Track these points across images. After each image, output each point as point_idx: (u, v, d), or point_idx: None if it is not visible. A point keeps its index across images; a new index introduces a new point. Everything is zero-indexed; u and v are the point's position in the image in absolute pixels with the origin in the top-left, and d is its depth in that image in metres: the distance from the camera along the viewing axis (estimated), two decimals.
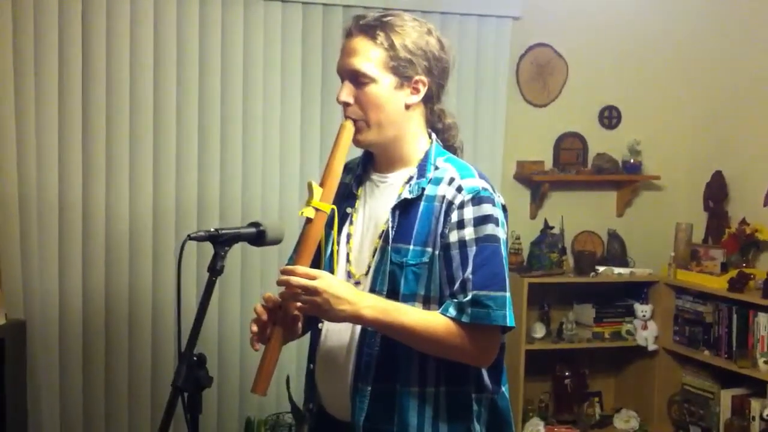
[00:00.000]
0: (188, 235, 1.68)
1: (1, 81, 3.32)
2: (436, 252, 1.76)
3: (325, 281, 1.69)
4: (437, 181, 1.81)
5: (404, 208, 1.81)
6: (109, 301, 3.54)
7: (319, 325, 1.89)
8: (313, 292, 1.68)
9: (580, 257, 4.31)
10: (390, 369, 1.79)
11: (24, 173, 3.38)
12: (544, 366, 4.27)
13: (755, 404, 3.79)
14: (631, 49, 4.39)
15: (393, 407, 1.79)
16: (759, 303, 3.76)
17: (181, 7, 3.56)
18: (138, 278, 3.57)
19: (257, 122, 3.72)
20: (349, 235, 1.89)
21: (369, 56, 1.79)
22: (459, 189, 1.77)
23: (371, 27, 1.80)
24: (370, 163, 1.94)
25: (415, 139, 1.87)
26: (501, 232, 1.77)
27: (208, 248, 1.72)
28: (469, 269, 1.72)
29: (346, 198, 1.92)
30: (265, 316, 1.76)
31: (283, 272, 1.71)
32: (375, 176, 1.91)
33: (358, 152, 1.95)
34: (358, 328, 1.81)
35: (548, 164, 4.35)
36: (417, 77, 1.81)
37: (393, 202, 1.83)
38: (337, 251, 1.88)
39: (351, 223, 1.90)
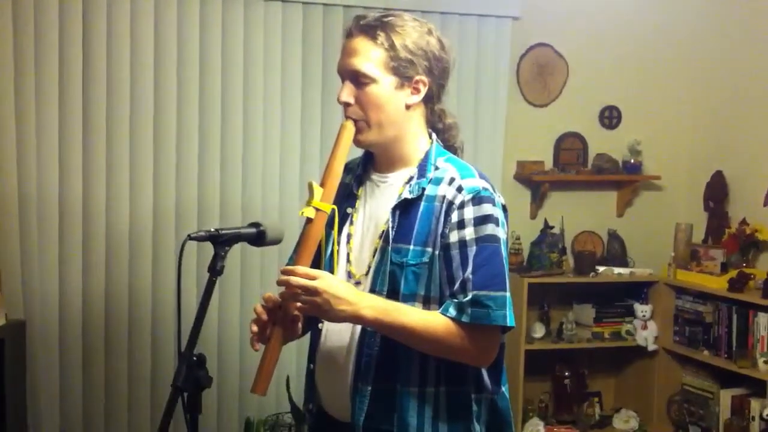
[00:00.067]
0: (188, 235, 1.69)
1: (1, 81, 3.32)
2: (437, 252, 1.76)
3: (325, 281, 1.69)
4: (437, 181, 1.81)
5: (404, 208, 1.81)
6: (109, 301, 3.54)
7: (319, 325, 1.89)
8: (313, 292, 1.68)
9: (580, 257, 4.31)
10: (390, 369, 1.79)
11: (24, 173, 3.38)
12: (543, 366, 4.27)
13: (755, 404, 3.79)
14: (631, 49, 4.39)
15: (393, 407, 1.79)
16: (759, 303, 3.76)
17: (181, 7, 3.56)
18: (138, 278, 3.57)
19: (257, 122, 3.72)
20: (349, 235, 1.89)
21: (369, 56, 1.79)
22: (459, 189, 1.77)
23: (372, 27, 1.80)
24: (370, 163, 1.94)
25: (415, 139, 1.87)
26: (501, 232, 1.77)
27: (209, 248, 1.72)
28: (469, 269, 1.72)
29: (346, 198, 1.92)
30: (265, 316, 1.76)
31: (284, 272, 1.72)
32: (375, 176, 1.91)
33: (359, 152, 1.95)
34: (358, 328, 1.81)
35: (548, 164, 4.35)
36: (417, 77, 1.82)
37: (393, 202, 1.83)
38: (338, 251, 1.88)
39: (351, 223, 1.90)
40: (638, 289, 4.35)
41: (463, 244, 1.74)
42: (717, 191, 4.26)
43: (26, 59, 3.35)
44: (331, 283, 1.70)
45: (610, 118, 4.44)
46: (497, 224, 1.76)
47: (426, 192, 1.80)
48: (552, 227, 4.26)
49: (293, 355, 3.71)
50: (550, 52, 4.29)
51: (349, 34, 1.84)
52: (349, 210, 1.91)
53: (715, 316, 4.02)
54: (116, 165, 3.51)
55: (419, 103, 1.85)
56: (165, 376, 3.58)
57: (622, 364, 4.48)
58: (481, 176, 1.81)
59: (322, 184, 1.79)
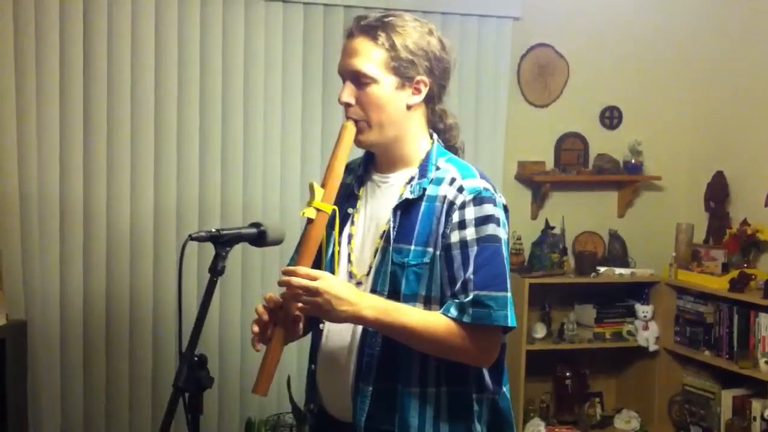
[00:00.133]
0: (189, 236, 1.69)
1: (2, 80, 3.32)
2: (438, 252, 1.76)
3: (326, 282, 1.69)
4: (438, 182, 1.81)
5: (405, 209, 1.81)
6: (109, 302, 3.54)
7: (321, 325, 1.88)
8: (315, 292, 1.68)
9: (581, 257, 4.31)
10: (391, 369, 1.79)
11: (25, 173, 3.38)
12: (544, 366, 4.27)
13: (756, 405, 3.79)
14: (631, 50, 4.39)
15: (394, 407, 1.79)
16: (760, 303, 3.76)
17: (182, 8, 3.56)
18: (139, 278, 3.57)
19: (258, 123, 3.72)
20: (350, 236, 1.89)
21: (370, 57, 1.79)
22: (460, 189, 1.77)
23: (372, 27, 1.80)
24: (371, 163, 1.94)
25: (416, 139, 1.87)
26: (502, 233, 1.77)
27: (209, 249, 1.72)
28: (471, 269, 1.72)
29: (347, 198, 1.92)
30: (266, 317, 1.76)
31: (285, 273, 1.72)
32: (376, 176, 1.91)
33: (360, 153, 1.95)
34: (359, 328, 1.81)
35: (549, 164, 4.35)
36: (418, 77, 1.81)
37: (394, 202, 1.83)
38: (339, 252, 1.88)
39: (352, 223, 1.90)
40: (639, 290, 4.34)
41: (464, 244, 1.74)
42: (718, 191, 4.26)
43: (27, 59, 3.35)
44: (332, 284, 1.70)
45: (611, 118, 4.44)
46: (498, 224, 1.76)
47: (427, 192, 1.80)
48: (553, 227, 4.26)
49: (294, 355, 3.71)
50: (551, 52, 4.29)
51: (349, 35, 1.84)
52: (350, 210, 1.91)
53: (716, 317, 4.02)
54: (117, 165, 3.51)
55: (420, 103, 1.85)
56: (166, 376, 3.58)
57: (623, 364, 4.48)
58: (482, 176, 1.81)
59: (323, 185, 1.79)
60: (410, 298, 1.77)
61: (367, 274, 1.83)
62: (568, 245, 4.34)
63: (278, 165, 3.77)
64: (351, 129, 1.81)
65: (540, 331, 4.19)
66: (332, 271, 1.85)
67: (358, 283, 1.83)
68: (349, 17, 3.60)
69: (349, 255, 1.88)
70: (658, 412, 4.27)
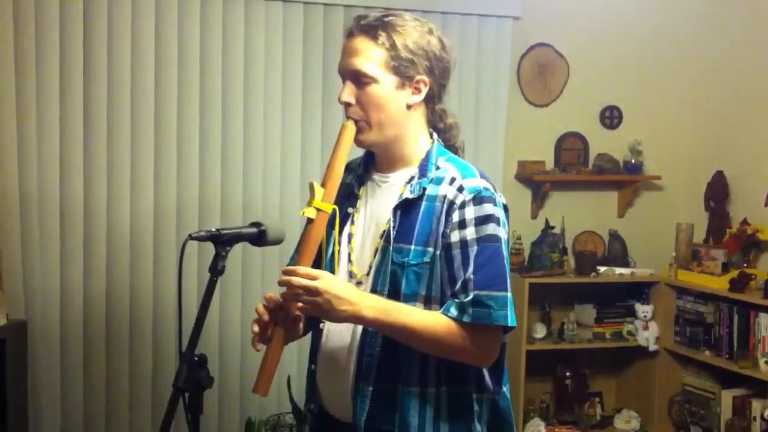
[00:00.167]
0: (189, 235, 1.68)
1: (2, 80, 3.32)
2: (438, 252, 1.76)
3: (326, 281, 1.69)
4: (438, 181, 1.81)
5: (405, 208, 1.81)
6: (110, 301, 3.54)
7: (321, 325, 1.88)
8: (315, 292, 1.68)
9: (581, 257, 4.31)
10: (391, 369, 1.79)
11: (25, 173, 3.39)
12: (544, 366, 4.27)
13: (756, 405, 3.79)
14: (631, 49, 4.39)
15: (394, 407, 1.79)
16: (760, 303, 3.76)
17: (182, 7, 3.56)
18: (139, 278, 3.57)
19: (258, 122, 3.72)
20: (350, 235, 1.89)
21: (370, 56, 1.79)
22: (460, 189, 1.77)
23: (372, 27, 1.80)
24: (371, 162, 1.94)
25: (416, 138, 1.87)
26: (502, 232, 1.77)
27: (209, 248, 1.72)
28: (471, 269, 1.72)
29: (347, 198, 1.92)
30: (266, 317, 1.76)
31: (285, 273, 1.72)
32: (376, 176, 1.91)
33: (360, 152, 1.95)
34: (360, 328, 1.81)
35: (549, 164, 4.35)
36: (418, 77, 1.81)
37: (394, 201, 1.83)
38: (339, 251, 1.88)
39: (352, 223, 1.90)
40: (639, 290, 4.34)
41: (464, 244, 1.74)
42: (718, 191, 4.26)
43: (27, 59, 3.35)
44: (332, 284, 1.70)
45: (611, 118, 4.44)
46: (498, 224, 1.76)
47: (427, 192, 1.80)
48: (553, 227, 4.26)
49: (294, 355, 3.71)
50: (551, 52, 4.29)
51: (349, 34, 1.84)
52: (350, 210, 1.91)
53: (716, 317, 4.02)
54: (117, 165, 3.51)
55: (420, 102, 1.85)
56: (166, 376, 3.58)
57: (623, 364, 4.48)
58: (482, 176, 1.81)
59: (323, 185, 1.79)
60: (410, 298, 1.77)
61: (367, 274, 1.83)
62: (568, 245, 4.34)
63: (278, 165, 3.77)
64: (351, 128, 1.81)
65: (540, 331, 4.19)
66: (332, 271, 1.85)
67: (359, 283, 1.83)
68: (349, 17, 3.60)
69: (349, 254, 1.88)
70: (658, 412, 4.27)
